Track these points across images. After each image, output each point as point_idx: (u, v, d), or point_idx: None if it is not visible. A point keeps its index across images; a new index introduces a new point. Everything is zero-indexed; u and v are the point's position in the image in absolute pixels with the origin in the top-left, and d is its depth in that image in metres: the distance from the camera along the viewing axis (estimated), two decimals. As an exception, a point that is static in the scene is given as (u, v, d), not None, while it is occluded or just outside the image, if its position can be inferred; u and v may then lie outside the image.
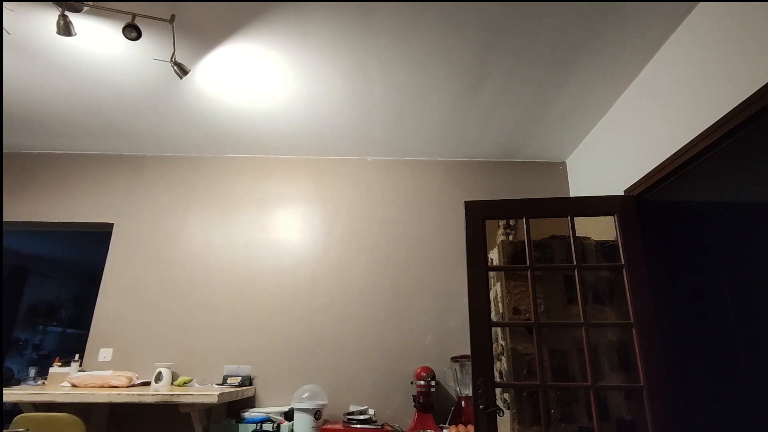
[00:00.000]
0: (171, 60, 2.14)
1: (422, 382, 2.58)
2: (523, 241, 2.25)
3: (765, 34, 1.54)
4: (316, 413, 2.46)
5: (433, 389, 2.60)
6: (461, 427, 2.44)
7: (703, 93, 1.85)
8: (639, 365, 2.01)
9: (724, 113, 1.70)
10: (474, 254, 2.24)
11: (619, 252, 2.18)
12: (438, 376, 2.74)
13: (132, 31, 1.92)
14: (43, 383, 2.69)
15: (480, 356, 2.10)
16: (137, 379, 2.59)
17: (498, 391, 2.24)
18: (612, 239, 2.33)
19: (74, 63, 2.33)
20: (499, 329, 2.39)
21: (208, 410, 2.54)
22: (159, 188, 3.24)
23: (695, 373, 2.21)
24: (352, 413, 2.59)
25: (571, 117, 2.76)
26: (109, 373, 2.53)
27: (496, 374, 2.29)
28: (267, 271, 3.05)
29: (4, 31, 2.06)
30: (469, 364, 2.62)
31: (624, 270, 2.14)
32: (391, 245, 3.11)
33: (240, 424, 2.45)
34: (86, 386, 2.37)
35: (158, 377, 2.65)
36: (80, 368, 2.74)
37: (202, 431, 2.36)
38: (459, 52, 2.21)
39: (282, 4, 1.93)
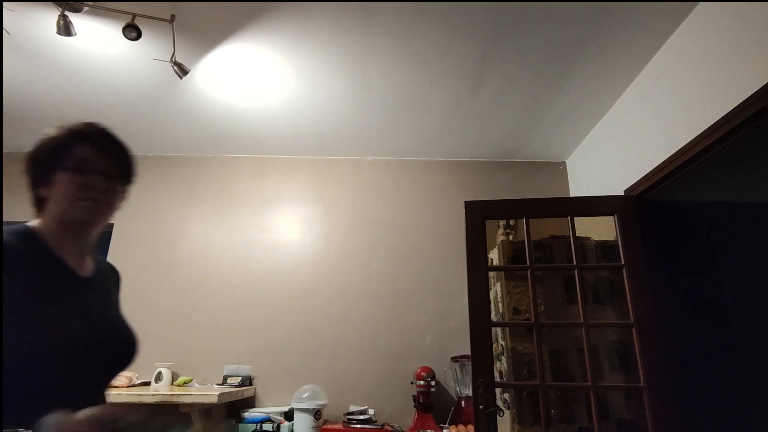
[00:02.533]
0: (171, 60, 2.14)
1: (422, 382, 2.58)
2: (523, 241, 2.25)
3: (764, 34, 1.54)
4: (316, 413, 2.46)
5: (433, 389, 2.60)
6: (461, 427, 2.44)
7: (702, 93, 1.85)
8: (639, 365, 2.01)
9: (724, 113, 1.70)
10: (474, 254, 2.24)
11: (619, 252, 2.18)
12: (438, 376, 2.74)
13: (132, 31, 1.92)
14: (43, 383, 2.69)
15: (480, 356, 2.10)
16: (137, 379, 2.59)
17: (498, 391, 2.24)
18: (612, 239, 2.33)
19: (74, 63, 2.33)
20: (499, 329, 2.39)
21: (208, 410, 2.53)
22: (159, 188, 3.24)
23: (695, 373, 2.21)
24: (352, 413, 2.59)
25: (571, 117, 2.76)
26: (109, 373, 2.52)
27: (496, 374, 2.29)
28: (267, 270, 3.05)
29: (4, 31, 2.06)
30: (469, 364, 2.62)
31: (624, 270, 2.14)
32: (391, 245, 3.11)
33: (240, 424, 2.45)
34: (86, 386, 2.37)
35: (158, 377, 2.65)
36: (80, 368, 2.73)
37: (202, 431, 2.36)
38: (459, 53, 2.21)
39: (282, 4, 1.93)
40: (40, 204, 0.91)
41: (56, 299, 0.80)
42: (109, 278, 1.02)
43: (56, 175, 0.87)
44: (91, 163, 0.88)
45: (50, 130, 0.92)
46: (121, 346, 0.91)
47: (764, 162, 2.16)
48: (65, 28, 1.89)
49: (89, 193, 0.86)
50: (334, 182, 3.27)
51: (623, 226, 2.20)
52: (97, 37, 2.14)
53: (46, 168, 0.89)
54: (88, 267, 0.94)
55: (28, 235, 0.84)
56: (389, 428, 2.53)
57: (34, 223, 0.88)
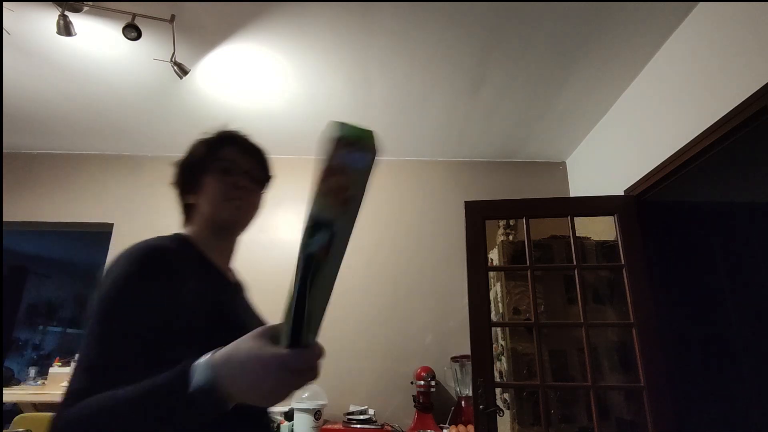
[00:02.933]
0: (171, 60, 2.14)
1: (422, 382, 2.58)
2: (523, 241, 2.25)
3: (765, 34, 1.54)
4: (316, 413, 2.46)
5: (433, 389, 2.59)
6: (461, 427, 2.44)
7: (703, 93, 1.85)
8: (639, 365, 2.01)
9: (724, 113, 1.70)
10: (474, 254, 2.24)
11: (619, 252, 2.18)
12: (438, 376, 2.73)
13: (132, 31, 1.92)
14: (43, 383, 2.70)
15: (480, 356, 2.10)
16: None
17: (498, 391, 2.24)
18: (612, 239, 2.33)
19: (74, 63, 2.33)
20: (499, 329, 2.39)
21: (208, 410, 2.53)
22: (159, 188, 3.24)
23: (695, 373, 2.21)
24: (352, 413, 2.59)
25: (571, 117, 2.76)
26: (109, 373, 2.52)
27: (496, 374, 2.29)
28: (267, 271, 3.04)
29: (4, 31, 2.06)
30: (469, 364, 2.62)
31: (624, 270, 2.14)
32: (391, 245, 3.10)
33: None
34: (86, 386, 2.37)
35: (158, 377, 2.64)
36: (80, 368, 2.73)
37: (202, 431, 2.36)
38: (459, 52, 2.21)
39: (282, 4, 1.93)
40: (188, 211, 0.95)
41: (218, 304, 0.80)
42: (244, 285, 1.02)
43: (204, 178, 0.89)
44: (237, 164, 0.89)
45: (196, 139, 0.94)
46: None
47: (764, 162, 2.16)
48: (65, 28, 1.89)
49: (237, 193, 0.87)
50: (334, 182, 3.26)
51: (623, 226, 2.20)
52: (97, 37, 2.14)
53: (194, 174, 0.91)
54: (232, 273, 0.95)
55: (183, 241, 0.86)
56: (389, 428, 2.53)
57: (182, 231, 0.91)
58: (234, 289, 0.92)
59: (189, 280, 0.76)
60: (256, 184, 0.93)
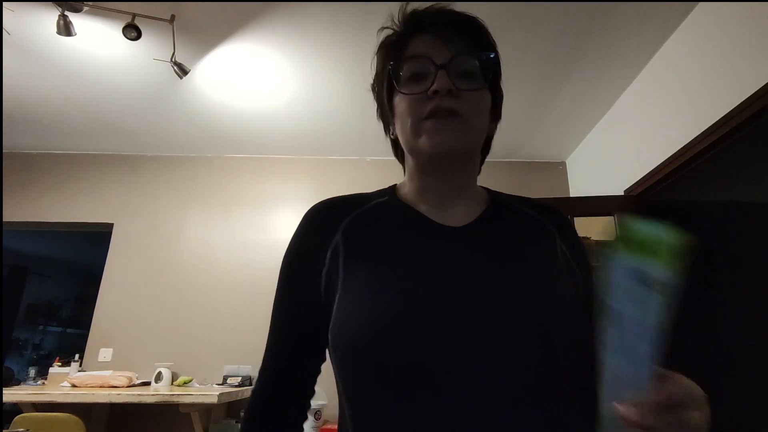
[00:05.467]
0: (171, 60, 2.14)
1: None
2: (523, 241, 2.25)
3: (765, 34, 1.55)
4: (316, 413, 2.46)
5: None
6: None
7: (703, 93, 1.85)
8: (639, 365, 2.01)
9: (724, 113, 1.70)
10: (474, 254, 2.24)
11: (619, 252, 2.17)
12: (438, 376, 2.73)
13: (132, 31, 1.93)
14: (43, 383, 2.69)
15: (480, 356, 2.09)
16: (137, 379, 2.59)
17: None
18: (612, 239, 2.32)
19: (74, 63, 2.33)
20: (499, 329, 2.39)
21: (208, 410, 2.54)
22: (159, 188, 3.24)
23: (695, 373, 2.21)
24: (352, 413, 2.59)
25: (571, 117, 2.76)
26: (109, 373, 2.53)
27: (496, 374, 2.29)
28: (267, 270, 3.04)
29: (4, 31, 2.06)
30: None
31: (624, 270, 2.14)
32: (391, 245, 3.10)
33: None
34: (86, 386, 2.37)
35: (158, 377, 2.65)
36: (80, 368, 2.74)
37: (202, 431, 2.36)
38: (459, 52, 2.21)
39: (282, 4, 1.93)
40: (398, 150, 0.71)
41: (387, 260, 0.58)
42: (521, 226, 0.67)
43: (392, 92, 0.62)
44: (427, 60, 0.57)
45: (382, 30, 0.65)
46: (502, 320, 0.51)
47: (764, 162, 2.16)
48: (65, 28, 1.89)
49: (429, 105, 0.56)
50: (334, 182, 3.26)
51: (623, 226, 2.20)
52: (97, 37, 2.13)
53: (379, 86, 0.67)
54: (461, 212, 0.66)
55: (383, 192, 0.71)
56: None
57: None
58: (454, 237, 0.62)
59: (365, 235, 0.61)
60: (465, 77, 0.58)
